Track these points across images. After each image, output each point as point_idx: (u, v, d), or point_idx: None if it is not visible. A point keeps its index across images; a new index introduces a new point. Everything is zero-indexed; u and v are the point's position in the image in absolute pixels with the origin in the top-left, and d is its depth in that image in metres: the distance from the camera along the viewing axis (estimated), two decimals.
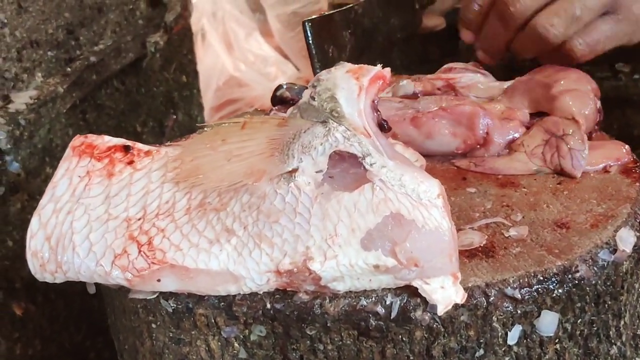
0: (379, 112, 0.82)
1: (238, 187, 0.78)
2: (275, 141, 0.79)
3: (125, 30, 1.38)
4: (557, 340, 0.81)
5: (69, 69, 1.25)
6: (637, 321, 0.90)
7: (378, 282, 0.76)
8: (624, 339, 0.87)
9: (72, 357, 1.36)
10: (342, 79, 0.82)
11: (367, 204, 0.75)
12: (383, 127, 0.82)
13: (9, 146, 1.14)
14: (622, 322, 0.86)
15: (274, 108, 1.05)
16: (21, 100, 1.17)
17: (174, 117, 1.55)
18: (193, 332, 0.81)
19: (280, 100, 1.05)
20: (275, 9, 2.14)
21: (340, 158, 0.78)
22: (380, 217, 0.75)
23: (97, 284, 0.88)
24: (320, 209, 0.76)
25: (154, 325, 0.83)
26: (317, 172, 0.77)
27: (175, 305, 0.80)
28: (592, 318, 0.82)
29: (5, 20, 1.16)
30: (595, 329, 0.83)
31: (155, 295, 0.80)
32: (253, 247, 0.76)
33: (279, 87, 1.06)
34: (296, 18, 2.13)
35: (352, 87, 0.81)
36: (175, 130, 1.56)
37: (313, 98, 0.81)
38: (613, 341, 0.86)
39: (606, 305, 0.83)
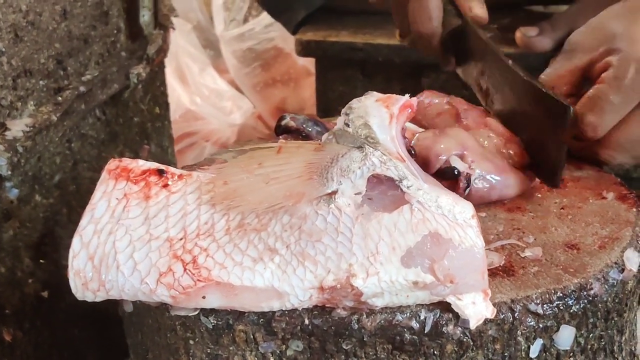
0: (407, 139, 0.87)
1: (276, 208, 0.82)
2: (313, 165, 0.84)
3: (109, 61, 1.41)
4: (571, 354, 0.87)
5: (59, 98, 1.27)
6: (634, 339, 0.97)
7: (414, 298, 0.81)
8: (623, 354, 0.94)
9: None
10: (373, 107, 0.87)
11: (406, 223, 0.80)
12: (411, 152, 0.87)
13: (9, 172, 1.15)
14: (624, 338, 0.93)
15: (279, 137, 1.09)
16: (17, 127, 1.19)
17: (147, 147, 1.57)
18: (231, 348, 0.84)
19: (285, 130, 1.10)
20: (232, 45, 2.19)
21: (377, 181, 0.83)
22: (419, 236, 0.79)
23: (115, 303, 0.91)
24: (362, 229, 0.80)
25: (191, 342, 0.85)
26: (356, 194, 0.82)
27: (215, 322, 0.83)
28: (601, 333, 0.88)
29: (3, 49, 1.17)
30: (602, 343, 0.89)
31: (196, 312, 0.83)
32: (297, 264, 0.80)
33: (283, 117, 1.11)
34: (252, 54, 2.18)
35: (384, 115, 0.86)
36: (148, 161, 1.58)
37: (347, 125, 0.86)
38: (616, 356, 0.92)
39: (613, 321, 0.89)
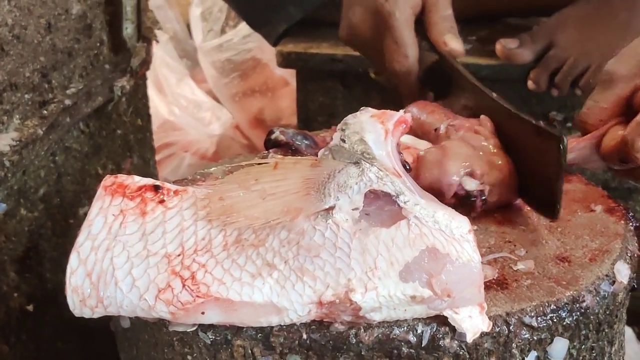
0: (401, 154, 0.88)
1: (274, 224, 0.83)
2: (310, 181, 0.84)
3: (93, 74, 1.41)
4: None
5: (45, 112, 1.27)
6: (622, 350, 0.98)
7: (412, 312, 0.82)
8: None
9: None
10: (368, 123, 0.88)
11: (404, 238, 0.81)
12: (405, 167, 0.88)
13: None
14: (614, 349, 0.94)
15: (269, 151, 1.09)
16: (4, 142, 1.19)
17: (130, 159, 1.57)
18: None
19: (275, 144, 1.10)
20: (210, 56, 2.19)
21: (374, 196, 0.84)
22: (417, 251, 0.80)
23: (109, 319, 0.91)
24: (360, 244, 0.81)
25: (189, 357, 0.86)
26: (353, 209, 0.83)
27: (213, 337, 0.84)
28: (593, 344, 0.90)
29: None
30: (594, 354, 0.91)
31: (194, 328, 0.84)
32: (295, 280, 0.81)
33: (272, 131, 1.11)
34: (230, 65, 2.18)
35: (379, 130, 0.87)
36: (131, 174, 1.58)
37: (343, 140, 0.87)
38: None
39: (604, 332, 0.91)
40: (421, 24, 1.24)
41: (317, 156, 1.05)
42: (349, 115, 0.89)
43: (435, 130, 1.07)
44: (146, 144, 1.65)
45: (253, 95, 2.22)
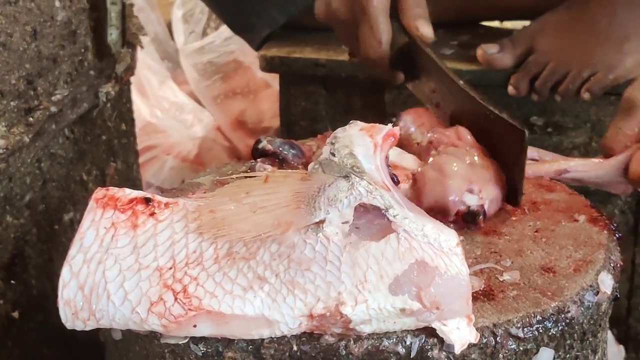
0: (390, 167, 0.89)
1: (265, 237, 0.84)
2: (300, 194, 0.86)
3: (78, 80, 1.41)
4: None
5: (31, 119, 1.27)
6: (605, 357, 1.00)
7: (401, 324, 0.83)
8: None
9: None
10: (357, 136, 0.89)
11: (393, 252, 0.82)
12: (394, 180, 0.89)
13: None
14: (597, 357, 0.96)
15: (257, 160, 1.10)
16: None
17: (114, 164, 1.58)
18: None
19: (262, 153, 1.11)
20: (192, 58, 2.20)
21: (364, 210, 0.85)
22: (406, 264, 0.82)
23: (99, 329, 0.91)
24: (350, 257, 0.82)
25: None
26: (343, 223, 0.84)
27: (205, 349, 0.85)
28: (577, 353, 0.92)
29: None
30: None
31: (186, 340, 0.85)
32: (287, 293, 0.82)
33: (259, 140, 1.12)
34: (212, 67, 2.19)
35: (368, 144, 0.88)
36: (115, 179, 1.59)
37: (333, 154, 0.88)
38: None
39: (588, 341, 0.92)
40: (393, 6, 1.26)
41: (303, 165, 1.07)
42: (339, 129, 0.90)
43: (418, 144, 1.09)
44: (130, 149, 1.66)
45: (235, 98, 2.23)
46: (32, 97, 1.31)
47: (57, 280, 0.86)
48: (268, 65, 1.72)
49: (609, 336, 1.75)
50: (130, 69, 1.52)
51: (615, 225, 1.01)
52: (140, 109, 2.12)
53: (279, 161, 1.10)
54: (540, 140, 1.66)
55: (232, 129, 2.21)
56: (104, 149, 1.55)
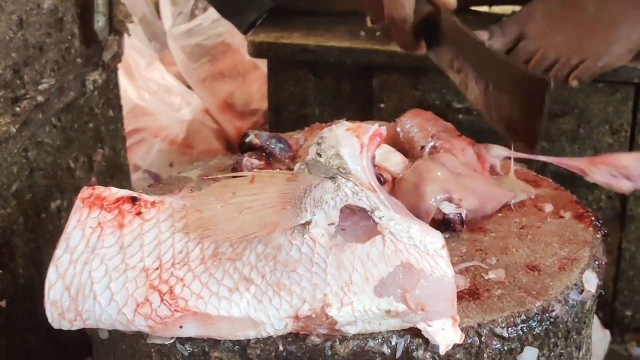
0: (376, 167, 0.90)
1: (251, 238, 0.84)
2: (286, 195, 0.86)
3: (65, 68, 1.40)
4: None
5: (17, 109, 1.27)
6: (589, 352, 1.01)
7: (386, 325, 0.83)
8: None
9: None
10: (343, 136, 0.89)
11: (379, 254, 0.82)
12: (380, 180, 0.90)
13: None
14: (581, 354, 0.97)
15: (244, 154, 1.10)
16: None
17: (101, 151, 1.57)
18: None
19: (249, 147, 1.11)
20: (180, 40, 2.19)
21: (350, 211, 0.85)
22: (391, 266, 0.82)
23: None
24: (336, 259, 0.82)
25: None
26: (329, 224, 0.84)
27: (191, 349, 0.85)
28: (561, 351, 0.92)
29: None
30: None
31: (172, 340, 0.85)
32: (273, 294, 0.82)
33: (247, 134, 1.12)
34: (200, 50, 2.18)
35: (354, 144, 0.88)
36: (102, 165, 1.58)
37: (319, 155, 0.88)
38: None
39: (572, 339, 0.93)
40: None
41: (290, 159, 1.07)
42: (325, 129, 0.90)
43: (422, 148, 1.09)
44: (117, 135, 1.65)
45: (223, 80, 2.22)
46: (18, 86, 1.31)
47: (44, 269, 0.86)
48: (256, 50, 1.71)
49: (595, 320, 1.76)
50: (118, 56, 1.51)
51: (601, 222, 1.01)
52: (128, 91, 2.11)
53: (266, 155, 1.10)
54: None
55: (220, 112, 2.20)
56: (91, 135, 1.55)
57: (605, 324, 1.84)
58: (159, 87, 2.22)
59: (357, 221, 0.85)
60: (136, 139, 2.08)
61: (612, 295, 1.82)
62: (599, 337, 1.81)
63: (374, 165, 0.90)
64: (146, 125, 2.11)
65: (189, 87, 2.28)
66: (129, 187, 1.73)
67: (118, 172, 1.67)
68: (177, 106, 2.23)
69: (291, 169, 1.07)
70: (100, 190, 0.89)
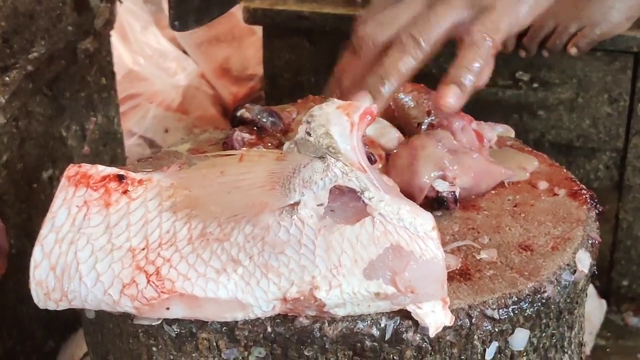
0: (367, 146, 0.88)
1: (239, 218, 0.83)
2: (275, 175, 0.84)
3: (56, 37, 1.39)
4: (525, 354, 0.89)
5: (7, 79, 1.25)
6: (582, 330, 1.00)
7: (375, 307, 0.82)
8: (572, 347, 0.97)
9: None
10: (334, 115, 0.87)
11: (368, 236, 0.81)
12: (370, 159, 0.88)
13: None
14: (573, 333, 0.96)
15: (235, 129, 1.09)
16: None
17: (94, 119, 1.56)
18: (194, 355, 0.85)
19: (240, 121, 1.10)
20: None
21: (339, 192, 0.84)
22: (381, 248, 0.81)
23: None
24: (324, 241, 0.81)
25: (154, 349, 0.86)
26: (318, 205, 0.83)
27: (178, 330, 0.84)
28: (553, 332, 0.91)
29: None
30: (554, 341, 0.92)
31: (159, 321, 0.84)
32: (260, 276, 0.81)
33: (238, 108, 1.11)
34: None
35: (344, 123, 0.87)
36: (95, 133, 1.57)
37: (309, 134, 0.86)
38: (565, 350, 0.95)
39: (564, 319, 0.92)
40: None
41: (282, 133, 1.05)
42: (315, 107, 0.89)
43: (418, 125, 1.06)
44: (110, 102, 1.64)
45: (219, 45, 2.20)
46: (7, 55, 1.29)
47: (36, 240, 0.85)
48: (251, 17, 1.70)
49: (591, 290, 1.76)
50: (110, 24, 1.49)
51: (596, 200, 1.00)
52: (123, 55, 2.09)
53: (257, 129, 1.08)
54: (526, 96, 1.65)
55: (216, 77, 2.19)
56: (84, 104, 1.54)
57: (602, 293, 1.84)
58: (154, 52, 2.20)
59: (347, 202, 0.84)
60: (131, 104, 2.06)
61: (609, 264, 1.82)
62: (595, 307, 1.81)
63: (365, 144, 0.88)
64: (141, 90, 2.09)
65: (185, 52, 2.25)
66: (123, 155, 1.72)
67: (111, 140, 1.66)
68: (172, 71, 2.21)
69: (283, 144, 1.06)
70: (86, 168, 0.88)
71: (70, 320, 1.51)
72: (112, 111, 1.65)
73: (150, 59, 2.18)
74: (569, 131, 1.69)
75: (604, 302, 1.82)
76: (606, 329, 1.81)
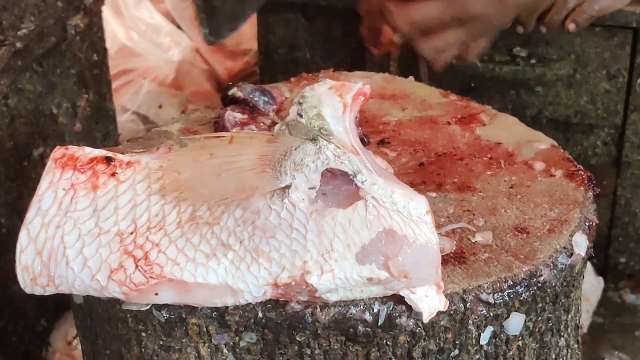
0: (360, 128, 0.86)
1: (229, 202, 0.81)
2: (265, 157, 0.83)
3: (45, 13, 1.36)
4: (520, 338, 0.88)
5: None
6: (578, 313, 0.99)
7: (368, 292, 0.81)
8: (569, 330, 0.96)
9: None
10: (326, 95, 0.86)
11: (361, 220, 0.79)
12: (364, 141, 0.86)
13: None
14: (570, 316, 0.95)
15: (227, 108, 1.07)
16: None
17: (86, 96, 1.54)
18: (184, 340, 0.84)
19: (232, 100, 1.08)
20: None
21: (331, 175, 0.82)
22: (374, 233, 0.79)
23: None
24: (316, 225, 0.80)
25: (143, 334, 0.85)
26: (310, 188, 0.81)
27: (168, 316, 0.83)
28: (549, 315, 0.90)
29: None
30: (550, 324, 0.91)
31: (148, 307, 0.82)
32: (251, 261, 0.79)
33: (230, 86, 1.09)
34: None
35: (337, 104, 0.85)
36: (87, 110, 1.55)
37: (300, 115, 0.84)
38: (562, 334, 0.94)
39: (560, 302, 0.91)
40: None
41: (274, 112, 1.03)
42: (307, 87, 0.87)
43: None
44: (102, 79, 1.61)
45: None
46: None
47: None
48: None
49: (588, 267, 1.75)
50: (100, 0, 1.47)
51: (594, 181, 0.98)
52: (116, 30, 2.06)
53: (250, 108, 1.06)
54: (523, 72, 1.63)
55: (210, 52, 2.16)
56: (75, 81, 1.51)
57: (599, 270, 1.82)
58: (147, 27, 2.17)
59: (339, 185, 0.82)
60: (124, 80, 2.04)
61: (606, 241, 1.80)
62: (593, 284, 1.79)
63: (357, 126, 0.86)
64: (135, 66, 2.07)
65: (179, 27, 2.23)
66: (115, 132, 1.70)
67: (103, 117, 1.64)
68: (166, 46, 2.18)
69: (275, 123, 1.04)
70: (73, 150, 0.86)
71: (63, 299, 1.49)
72: (103, 88, 1.63)
73: (144, 34, 2.15)
74: (567, 107, 1.67)
75: (601, 279, 1.81)
76: (603, 306, 1.80)
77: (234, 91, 1.07)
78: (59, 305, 1.52)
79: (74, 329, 1.53)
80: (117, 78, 1.96)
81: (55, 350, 1.52)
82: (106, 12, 1.98)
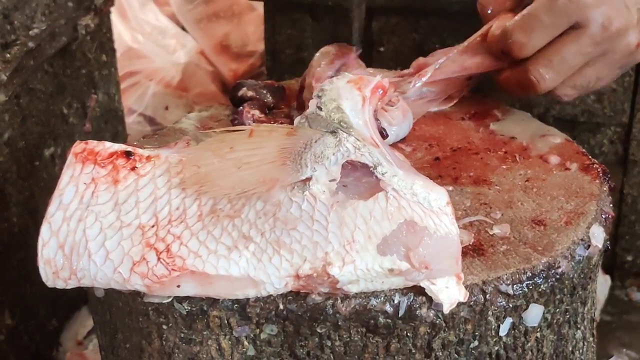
0: (378, 121, 0.87)
1: (249, 194, 0.82)
2: (286, 150, 0.83)
3: (56, 13, 1.37)
4: (538, 329, 0.89)
5: (8, 55, 1.24)
6: (594, 306, 0.99)
7: (389, 284, 0.81)
8: (585, 323, 0.96)
9: (7, 341, 1.36)
10: (344, 89, 0.86)
11: (382, 211, 0.80)
12: (382, 134, 0.87)
13: None
14: (586, 308, 0.95)
15: (239, 108, 1.07)
16: None
17: (95, 96, 1.54)
18: (205, 332, 0.84)
19: (242, 100, 1.08)
20: None
21: (352, 167, 0.83)
22: (395, 224, 0.80)
23: None
24: (337, 217, 0.80)
25: (164, 327, 0.85)
26: (330, 180, 0.81)
27: (189, 308, 0.83)
28: (567, 307, 0.90)
29: None
30: (567, 316, 0.91)
31: (169, 299, 0.83)
32: (272, 253, 0.80)
33: (239, 85, 1.09)
34: None
35: (356, 97, 0.85)
36: (96, 111, 1.55)
37: (320, 108, 0.85)
38: (579, 326, 0.95)
39: (578, 294, 0.91)
40: None
41: (287, 107, 1.04)
42: (326, 81, 0.87)
43: None
44: (111, 80, 1.62)
45: (218, 21, 2.18)
46: (8, 31, 1.28)
47: (39, 217, 0.84)
48: None
49: None
50: (110, 0, 1.47)
51: (608, 175, 0.99)
52: (122, 33, 2.07)
53: (266, 107, 1.07)
54: None
55: (215, 54, 2.17)
56: (85, 81, 1.52)
57: (606, 268, 1.83)
58: (153, 29, 2.17)
59: (359, 177, 0.83)
60: (130, 82, 2.04)
61: (613, 239, 1.80)
62: (600, 282, 1.79)
63: (376, 119, 0.87)
64: (140, 68, 2.07)
65: (184, 29, 2.23)
66: (124, 132, 1.71)
67: (112, 117, 1.64)
68: (171, 48, 2.18)
69: (290, 117, 1.05)
70: (93, 144, 0.86)
71: (74, 299, 1.50)
72: (112, 88, 1.63)
73: (149, 36, 2.15)
74: (574, 106, 1.67)
75: (608, 277, 1.81)
76: (610, 304, 1.80)
77: (244, 91, 1.08)
78: (70, 305, 1.52)
79: (85, 330, 1.54)
80: (124, 80, 1.96)
81: (66, 350, 1.52)
82: (112, 14, 1.99)
